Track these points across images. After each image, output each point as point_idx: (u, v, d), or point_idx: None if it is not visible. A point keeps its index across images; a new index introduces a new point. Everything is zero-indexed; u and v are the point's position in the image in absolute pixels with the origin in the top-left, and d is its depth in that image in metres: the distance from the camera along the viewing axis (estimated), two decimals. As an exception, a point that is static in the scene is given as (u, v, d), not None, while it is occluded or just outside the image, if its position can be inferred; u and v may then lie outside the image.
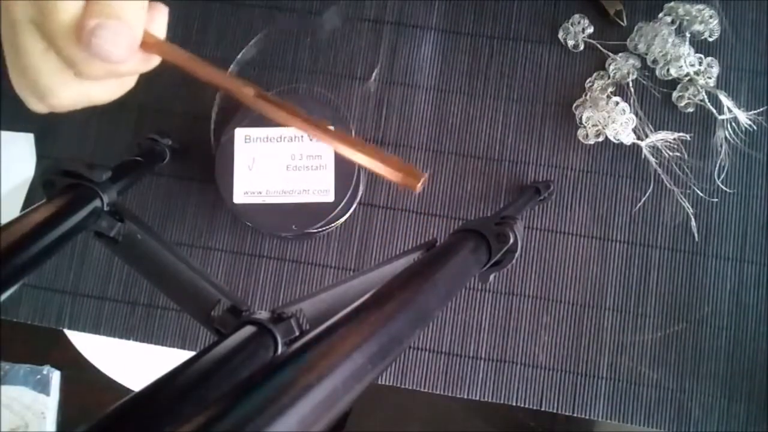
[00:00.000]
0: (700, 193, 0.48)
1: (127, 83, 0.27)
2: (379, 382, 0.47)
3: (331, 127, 0.23)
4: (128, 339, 0.48)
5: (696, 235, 0.47)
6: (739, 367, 0.46)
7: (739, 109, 0.47)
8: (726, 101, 0.47)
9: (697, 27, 0.48)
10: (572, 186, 0.49)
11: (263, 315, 0.28)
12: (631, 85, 0.48)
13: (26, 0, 0.22)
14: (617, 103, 0.47)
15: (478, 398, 0.46)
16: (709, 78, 0.47)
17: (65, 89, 0.24)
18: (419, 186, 0.22)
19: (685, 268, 0.47)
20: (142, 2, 0.23)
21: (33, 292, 0.49)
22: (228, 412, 0.14)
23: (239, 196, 0.43)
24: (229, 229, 0.49)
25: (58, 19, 0.22)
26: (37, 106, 0.25)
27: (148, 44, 0.24)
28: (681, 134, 0.47)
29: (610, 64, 0.49)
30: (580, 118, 0.48)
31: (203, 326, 0.32)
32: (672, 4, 0.49)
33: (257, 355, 0.26)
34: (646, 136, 0.47)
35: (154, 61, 0.25)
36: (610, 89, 0.48)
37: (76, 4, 0.22)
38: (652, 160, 0.47)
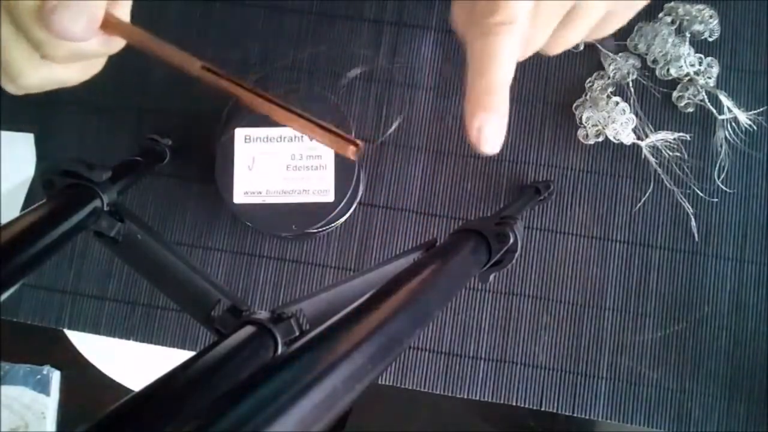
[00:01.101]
0: (700, 193, 0.48)
1: (94, 66, 0.28)
2: (379, 382, 0.47)
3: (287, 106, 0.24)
4: (128, 339, 0.48)
5: (696, 235, 0.47)
6: (739, 367, 0.46)
7: (739, 109, 0.47)
8: (726, 101, 0.47)
9: (697, 27, 0.48)
10: (572, 186, 0.49)
11: (263, 315, 0.28)
12: (631, 85, 0.48)
13: None
14: (617, 103, 0.47)
15: (478, 398, 0.46)
16: (709, 78, 0.47)
17: (34, 71, 0.25)
18: (351, 153, 0.23)
19: (685, 268, 0.47)
20: None
21: (33, 292, 0.49)
22: (228, 412, 0.14)
23: (239, 196, 0.43)
24: (229, 229, 0.49)
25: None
26: (8, 87, 0.26)
27: (109, 24, 0.24)
28: (681, 134, 0.47)
29: (610, 64, 0.49)
30: (580, 118, 0.48)
31: (203, 326, 0.32)
32: (672, 4, 0.49)
33: (257, 355, 0.26)
34: (646, 136, 0.47)
35: (117, 43, 0.26)
36: (610, 89, 0.48)
37: None
38: (652, 160, 0.47)
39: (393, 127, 0.48)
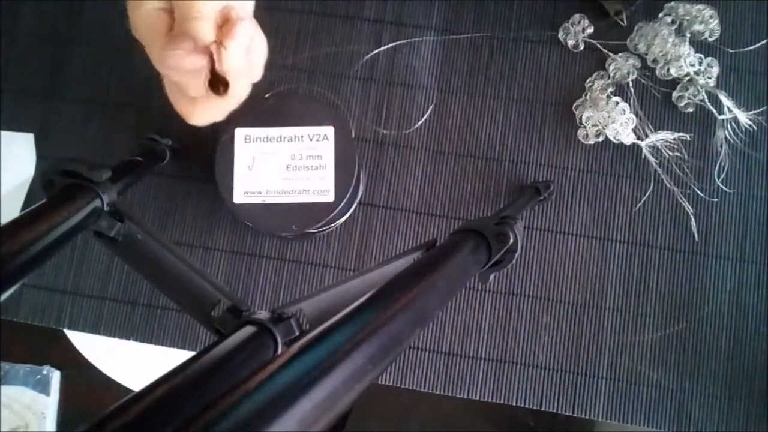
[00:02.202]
0: (700, 193, 0.48)
1: (236, 95, 0.33)
2: (379, 382, 0.47)
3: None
4: (128, 339, 0.48)
5: (696, 235, 0.47)
6: (739, 367, 0.46)
7: (739, 109, 0.47)
8: (726, 101, 0.47)
9: (697, 27, 0.48)
10: (572, 186, 0.49)
11: (263, 315, 0.28)
12: (631, 85, 0.48)
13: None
14: (617, 103, 0.47)
15: (478, 398, 0.46)
16: (709, 78, 0.47)
17: (194, 111, 0.33)
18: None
19: (685, 268, 0.47)
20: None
21: (33, 292, 0.49)
22: (228, 412, 0.14)
23: (239, 196, 0.43)
24: (229, 229, 0.49)
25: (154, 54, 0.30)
26: (189, 122, 0.34)
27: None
28: (681, 134, 0.47)
29: (610, 64, 0.49)
30: (580, 118, 0.48)
31: (203, 326, 0.32)
32: (672, 4, 0.49)
33: (257, 355, 0.26)
34: (646, 136, 0.47)
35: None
36: (610, 89, 0.48)
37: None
38: (652, 160, 0.47)
39: (423, 118, 0.48)
